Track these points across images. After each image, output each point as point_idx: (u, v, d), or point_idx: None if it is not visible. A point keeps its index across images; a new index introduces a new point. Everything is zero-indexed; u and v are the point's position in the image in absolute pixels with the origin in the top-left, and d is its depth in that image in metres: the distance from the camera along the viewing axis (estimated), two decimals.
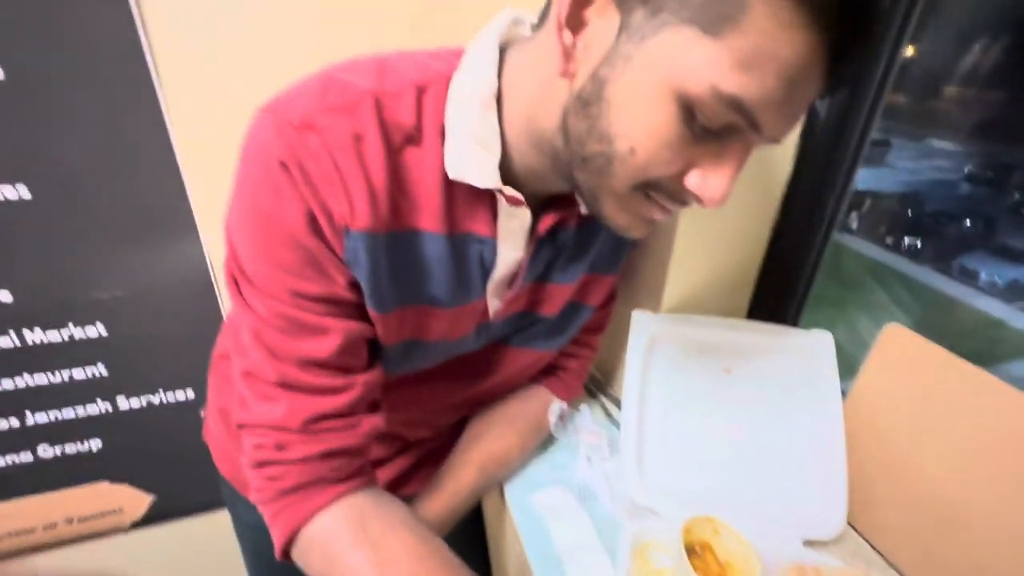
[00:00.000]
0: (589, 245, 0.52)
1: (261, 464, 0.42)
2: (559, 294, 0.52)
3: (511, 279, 0.48)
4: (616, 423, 0.68)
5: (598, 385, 0.76)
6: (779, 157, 0.57)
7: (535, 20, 0.40)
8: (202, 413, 0.69)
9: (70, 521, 0.97)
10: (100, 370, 0.86)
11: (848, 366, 0.55)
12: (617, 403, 0.72)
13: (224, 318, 0.72)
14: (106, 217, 0.76)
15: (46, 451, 0.90)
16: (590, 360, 0.66)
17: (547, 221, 0.44)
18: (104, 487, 0.96)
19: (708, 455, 0.57)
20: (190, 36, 0.69)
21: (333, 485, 0.43)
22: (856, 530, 0.54)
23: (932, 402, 0.48)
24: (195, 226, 0.80)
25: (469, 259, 0.44)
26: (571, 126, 0.36)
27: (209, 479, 0.68)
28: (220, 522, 1.02)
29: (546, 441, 0.65)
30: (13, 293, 0.77)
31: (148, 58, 0.68)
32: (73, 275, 0.78)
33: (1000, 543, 0.43)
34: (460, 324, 0.47)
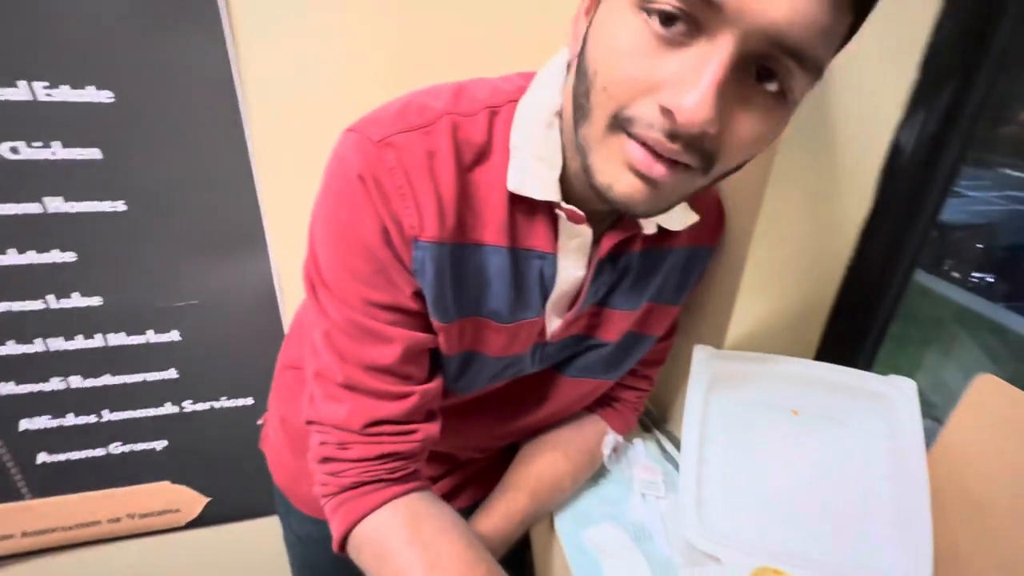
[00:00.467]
0: (654, 273, 0.51)
1: (325, 460, 0.44)
2: (619, 321, 0.52)
3: (572, 300, 0.48)
4: (671, 460, 0.66)
5: (653, 420, 0.74)
6: (858, 188, 0.54)
7: None
8: (259, 422, 0.72)
9: (132, 516, 1.02)
10: (172, 374, 0.91)
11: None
12: (672, 439, 0.69)
13: (286, 332, 0.75)
14: (188, 231, 0.81)
15: (117, 448, 0.95)
16: (647, 393, 0.64)
17: (608, 242, 0.44)
18: (166, 486, 1.01)
19: (772, 502, 0.54)
20: (277, 74, 0.75)
21: (390, 486, 0.44)
22: None
23: None
24: (266, 244, 0.85)
25: (529, 274, 0.44)
26: (570, 94, 0.36)
27: (262, 487, 0.70)
28: (269, 529, 1.04)
29: (596, 473, 0.63)
30: (103, 298, 0.83)
31: (238, 90, 0.74)
32: (156, 284, 0.84)
33: None
34: (517, 340, 0.47)
